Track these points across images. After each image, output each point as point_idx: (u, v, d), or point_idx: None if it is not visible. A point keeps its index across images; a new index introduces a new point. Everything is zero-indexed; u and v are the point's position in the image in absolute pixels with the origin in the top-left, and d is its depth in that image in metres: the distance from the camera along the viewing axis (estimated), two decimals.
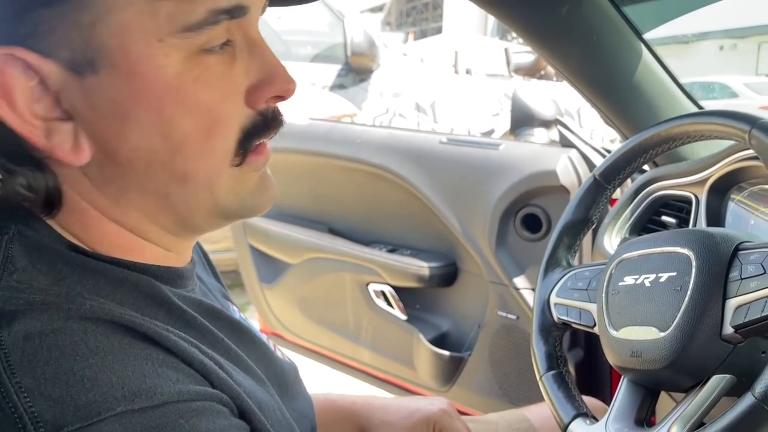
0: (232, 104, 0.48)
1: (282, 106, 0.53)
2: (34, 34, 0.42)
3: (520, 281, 1.35)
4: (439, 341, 1.52)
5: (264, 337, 0.62)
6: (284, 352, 0.67)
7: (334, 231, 1.69)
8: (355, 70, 3.20)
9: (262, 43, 0.50)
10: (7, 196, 0.45)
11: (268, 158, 0.52)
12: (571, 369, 1.31)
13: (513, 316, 1.37)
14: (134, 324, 0.43)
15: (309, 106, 2.94)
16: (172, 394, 0.41)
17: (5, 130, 0.44)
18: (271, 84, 0.49)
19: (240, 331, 0.56)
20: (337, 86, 3.15)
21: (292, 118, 1.83)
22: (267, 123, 0.51)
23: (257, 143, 0.51)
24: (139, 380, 0.41)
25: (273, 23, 3.56)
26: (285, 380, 0.60)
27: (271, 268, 1.80)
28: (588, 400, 0.93)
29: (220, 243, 2.61)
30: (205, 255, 0.69)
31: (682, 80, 1.06)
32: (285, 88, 0.50)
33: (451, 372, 1.48)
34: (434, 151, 1.47)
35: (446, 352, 1.48)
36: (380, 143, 1.54)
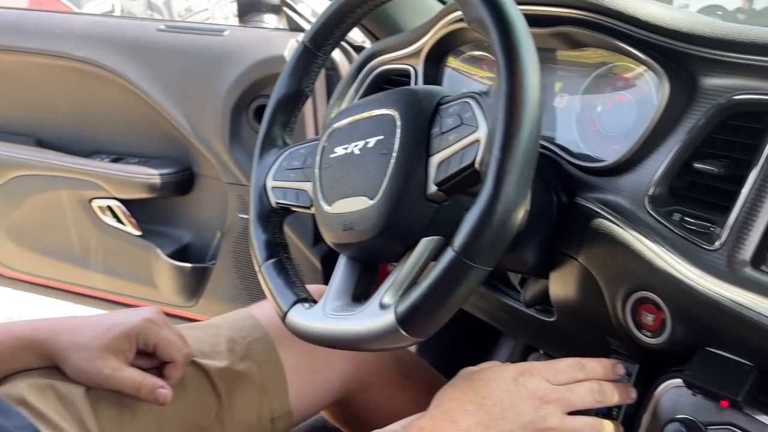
0: None
1: None
2: None
3: None
4: (180, 254, 1.39)
5: None
6: None
7: (43, 143, 1.44)
8: None
9: None
10: None
11: None
12: (317, 263, 1.28)
13: None
14: None
15: (12, 3, 2.48)
16: None
17: None
18: None
19: None
20: None
21: None
22: None
23: None
24: None
25: None
26: None
27: None
28: (321, 287, 0.88)
29: None
30: None
31: None
32: None
33: (195, 284, 1.37)
34: (151, 40, 1.28)
35: (188, 265, 1.36)
36: (86, 33, 1.31)
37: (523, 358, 1.09)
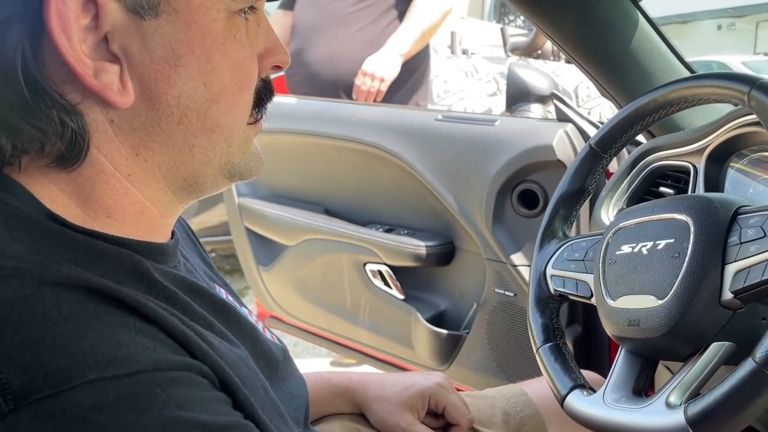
0: (255, 65, 0.52)
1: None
2: None
3: (517, 258, 1.34)
4: (437, 320, 1.51)
5: (252, 318, 0.61)
6: (275, 334, 0.66)
7: (330, 212, 1.67)
8: None
9: (265, 15, 0.53)
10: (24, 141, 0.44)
11: None
12: (569, 344, 1.30)
13: (510, 293, 1.36)
14: (111, 290, 0.42)
15: None
16: (148, 363, 0.40)
17: (42, 69, 0.44)
18: (274, 54, 0.54)
19: (224, 310, 0.55)
20: None
21: (283, 98, 1.81)
22: (269, 89, 0.56)
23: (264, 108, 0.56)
24: (114, 348, 0.39)
25: None
26: (273, 360, 0.59)
27: (268, 251, 1.78)
28: (586, 373, 0.91)
29: (217, 228, 2.60)
30: (192, 233, 0.68)
31: None
32: (284, 59, 0.55)
33: (449, 350, 1.47)
34: (429, 129, 1.45)
35: (444, 331, 1.47)
36: (375, 121, 1.52)
37: None
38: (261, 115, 0.55)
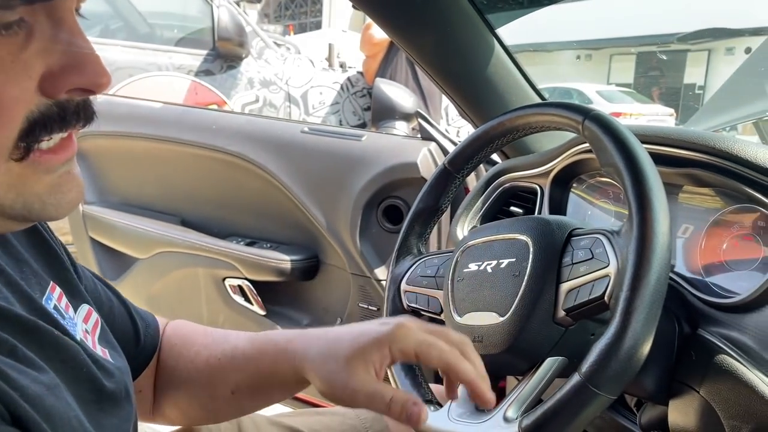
0: (19, 89, 0.42)
1: (93, 98, 0.47)
2: None
3: (381, 272, 1.35)
4: None
5: (78, 336, 0.55)
6: (114, 353, 0.61)
7: (186, 223, 1.59)
8: (223, 56, 3.07)
9: (74, 26, 0.44)
10: None
11: (68, 158, 0.46)
12: None
13: (374, 308, 1.37)
14: None
15: (172, 92, 2.79)
16: None
17: None
18: (74, 73, 0.43)
19: (35, 333, 0.48)
20: (203, 72, 3.00)
21: (140, 102, 1.72)
22: (64, 116, 0.44)
23: (46, 138, 0.44)
24: None
25: (137, 3, 3.36)
26: (100, 385, 0.54)
27: (115, 264, 1.67)
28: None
29: (61, 237, 2.41)
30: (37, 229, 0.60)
31: (544, 85, 1.09)
32: (93, 80, 0.44)
33: None
34: (296, 141, 1.43)
35: None
36: (238, 130, 1.48)
37: None
38: (30, 150, 0.43)
